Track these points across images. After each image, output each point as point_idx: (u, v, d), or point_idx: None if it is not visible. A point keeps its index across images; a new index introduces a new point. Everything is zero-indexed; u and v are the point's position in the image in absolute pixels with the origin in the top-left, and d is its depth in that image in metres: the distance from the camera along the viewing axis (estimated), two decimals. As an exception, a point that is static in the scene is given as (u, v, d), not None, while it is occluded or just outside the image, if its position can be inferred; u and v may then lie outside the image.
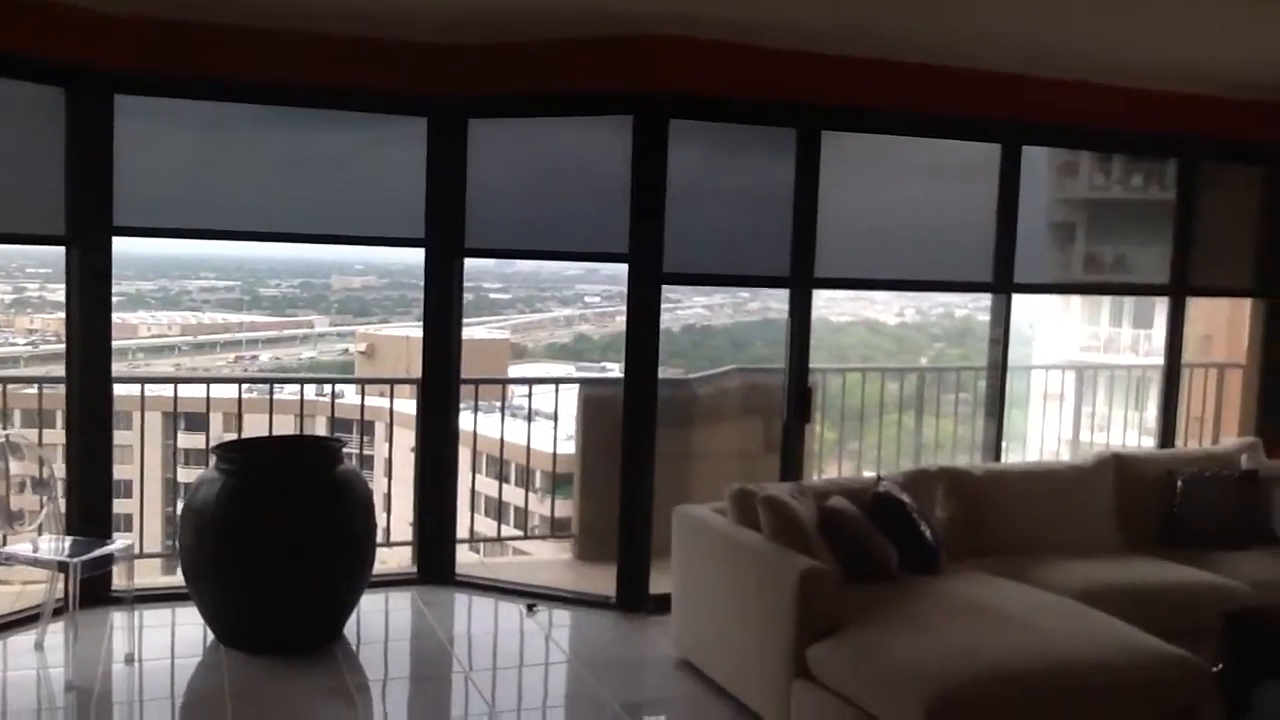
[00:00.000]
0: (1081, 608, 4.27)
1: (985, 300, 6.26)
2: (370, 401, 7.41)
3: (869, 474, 5.53)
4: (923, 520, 4.74)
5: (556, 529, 7.47)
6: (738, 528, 4.60)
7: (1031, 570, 4.84)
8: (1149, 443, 7.43)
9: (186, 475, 6.33)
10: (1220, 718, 4.17)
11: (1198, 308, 7.05)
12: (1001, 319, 6.17)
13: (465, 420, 6.08)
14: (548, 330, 18.83)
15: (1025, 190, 6.11)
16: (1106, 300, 6.64)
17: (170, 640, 5.08)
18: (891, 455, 7.30)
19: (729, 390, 6.96)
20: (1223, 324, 7.92)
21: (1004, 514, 5.20)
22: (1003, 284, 6.11)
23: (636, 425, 5.51)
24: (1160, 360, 6.75)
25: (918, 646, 3.81)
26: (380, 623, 5.38)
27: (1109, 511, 5.48)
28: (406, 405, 6.63)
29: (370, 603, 5.26)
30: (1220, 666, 4.26)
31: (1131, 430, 7.98)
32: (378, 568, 5.44)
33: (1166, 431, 6.69)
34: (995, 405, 6.22)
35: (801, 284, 5.66)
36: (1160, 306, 7.09)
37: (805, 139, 5.59)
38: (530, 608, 5.55)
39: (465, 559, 6.29)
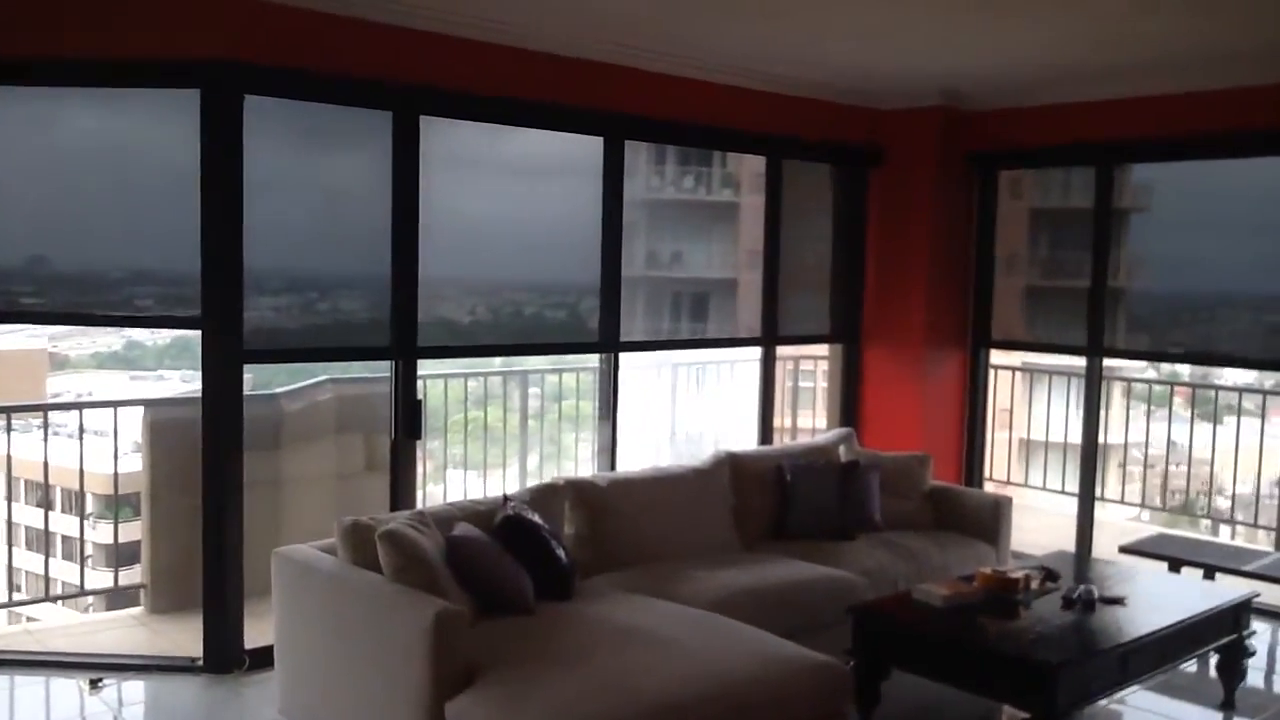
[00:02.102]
0: (724, 621, 4.10)
1: (555, 297, 6.06)
2: None
3: (494, 494, 5.09)
4: (555, 540, 4.39)
5: (122, 564, 6.35)
6: (352, 568, 4.00)
7: (665, 583, 4.65)
8: (727, 429, 7.63)
9: None
10: (853, 714, 4.18)
11: (749, 301, 7.35)
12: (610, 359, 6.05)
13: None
14: (93, 337, 16.66)
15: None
16: (667, 296, 6.70)
17: None
18: (498, 463, 6.94)
19: (321, 404, 6.25)
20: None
21: (631, 524, 4.98)
22: (609, 343, 6.00)
23: (219, 452, 4.72)
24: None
25: (573, 687, 3.43)
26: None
27: (727, 511, 5.44)
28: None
29: None
30: (851, 663, 4.27)
31: (711, 421, 8.19)
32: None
33: (765, 430, 6.84)
34: (609, 409, 6.02)
35: (405, 354, 5.18)
36: (716, 303, 7.32)
37: (403, 124, 5.06)
38: (94, 684, 4.58)
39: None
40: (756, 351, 6.92)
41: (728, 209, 7.11)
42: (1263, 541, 7.75)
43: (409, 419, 5.18)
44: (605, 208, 5.88)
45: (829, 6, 4.82)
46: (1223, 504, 8.28)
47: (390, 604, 3.74)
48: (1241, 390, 7.67)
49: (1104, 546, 6.75)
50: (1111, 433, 8.07)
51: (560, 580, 4.27)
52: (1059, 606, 4.45)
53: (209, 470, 4.74)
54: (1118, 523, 8.08)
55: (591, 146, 5.84)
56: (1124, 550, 5.97)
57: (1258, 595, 4.90)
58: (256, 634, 4.74)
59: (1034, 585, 4.61)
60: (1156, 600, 4.61)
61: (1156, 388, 8.75)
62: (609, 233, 5.90)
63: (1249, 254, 6.17)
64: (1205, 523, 8.43)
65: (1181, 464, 8.13)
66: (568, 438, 7.28)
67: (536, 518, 4.38)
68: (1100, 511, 7.69)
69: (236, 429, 4.74)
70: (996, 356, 7.40)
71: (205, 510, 4.76)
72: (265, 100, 4.66)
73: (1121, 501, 8.16)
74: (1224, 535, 8.14)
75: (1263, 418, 7.41)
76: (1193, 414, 7.95)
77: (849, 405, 7.20)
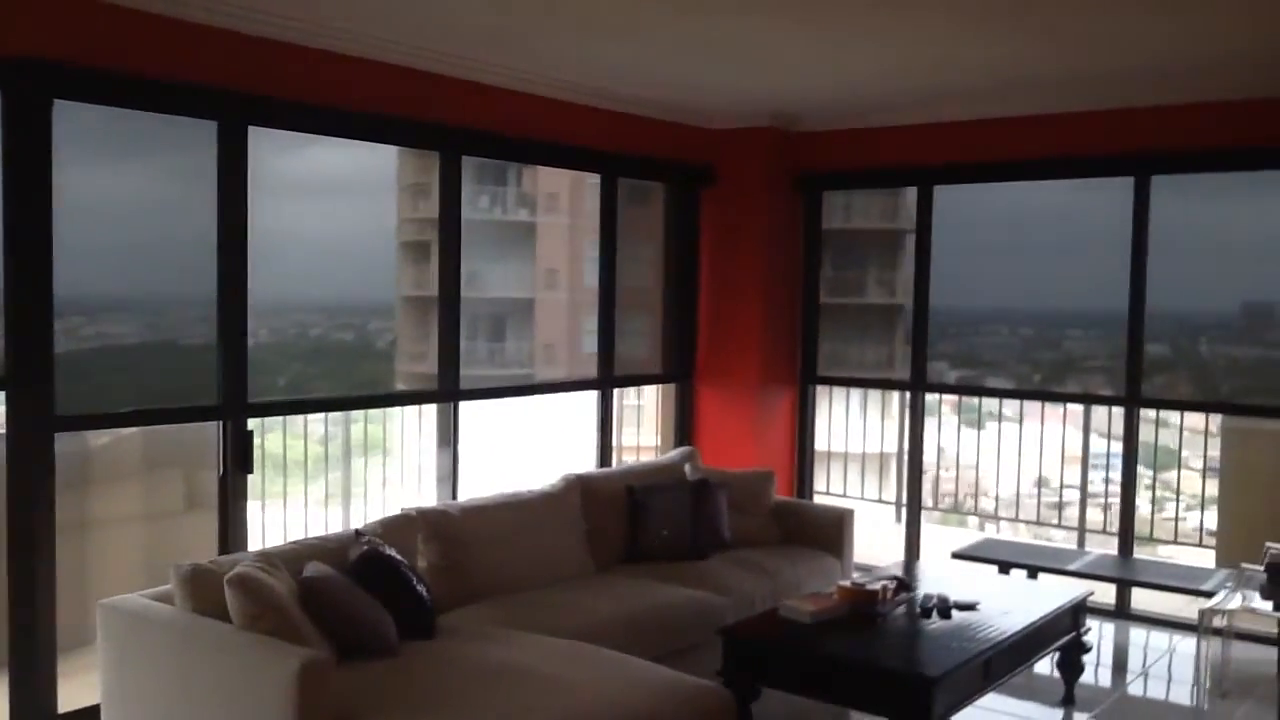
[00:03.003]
0: (597, 651, 3.96)
1: (342, 318, 5.77)
2: None
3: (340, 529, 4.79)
4: (414, 575, 4.14)
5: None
6: (195, 618, 3.65)
7: (527, 613, 4.48)
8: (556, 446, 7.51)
9: None
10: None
11: (548, 321, 7.27)
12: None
13: None
14: None
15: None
16: (465, 317, 6.52)
17: None
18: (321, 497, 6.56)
19: (129, 438, 5.72)
20: (562, 335, 8.36)
21: (485, 553, 4.78)
22: (450, 392, 5.78)
23: (26, 500, 4.23)
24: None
25: (456, 735, 3.22)
26: None
27: (579, 535, 5.29)
28: None
29: None
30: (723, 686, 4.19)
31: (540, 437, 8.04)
32: None
33: (605, 452, 6.75)
34: (449, 434, 5.77)
35: (234, 414, 4.81)
36: (514, 323, 7.17)
37: (229, 134, 4.70)
38: (-124, 765, 4.03)
39: None
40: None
41: (524, 229, 7.01)
42: (1024, 535, 8.26)
43: (239, 451, 4.80)
44: (443, 230, 5.67)
45: (666, 25, 4.79)
46: (987, 504, 8.80)
47: (246, 656, 3.42)
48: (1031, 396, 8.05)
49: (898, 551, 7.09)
50: (889, 441, 8.43)
51: (423, 618, 4.03)
52: (917, 615, 4.53)
53: (14, 517, 4.24)
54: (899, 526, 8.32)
55: (385, 161, 5.63)
56: (956, 556, 6.17)
57: (1092, 594, 5.13)
58: (73, 694, 4.27)
59: (889, 596, 4.67)
60: (1004, 604, 4.74)
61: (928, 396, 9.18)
62: (446, 262, 5.70)
63: (1012, 273, 6.63)
64: (973, 520, 8.89)
65: (950, 469, 8.58)
66: (360, 464, 6.85)
67: (393, 552, 4.12)
68: (882, 515, 8.04)
69: (47, 478, 4.27)
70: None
71: (10, 559, 4.25)
72: (78, 106, 4.23)
73: (935, 507, 8.51)
74: (989, 532, 8.61)
75: (1089, 423, 7.83)
76: (995, 418, 8.36)
77: (683, 428, 7.19)
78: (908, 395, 7.08)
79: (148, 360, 4.85)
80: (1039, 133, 6.20)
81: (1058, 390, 6.77)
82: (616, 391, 7.58)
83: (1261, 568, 5.02)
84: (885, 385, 7.43)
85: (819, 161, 7.00)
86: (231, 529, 4.78)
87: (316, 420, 6.60)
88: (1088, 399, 6.79)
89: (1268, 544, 5.20)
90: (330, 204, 5.41)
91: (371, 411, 6.59)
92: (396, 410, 6.59)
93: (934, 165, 6.63)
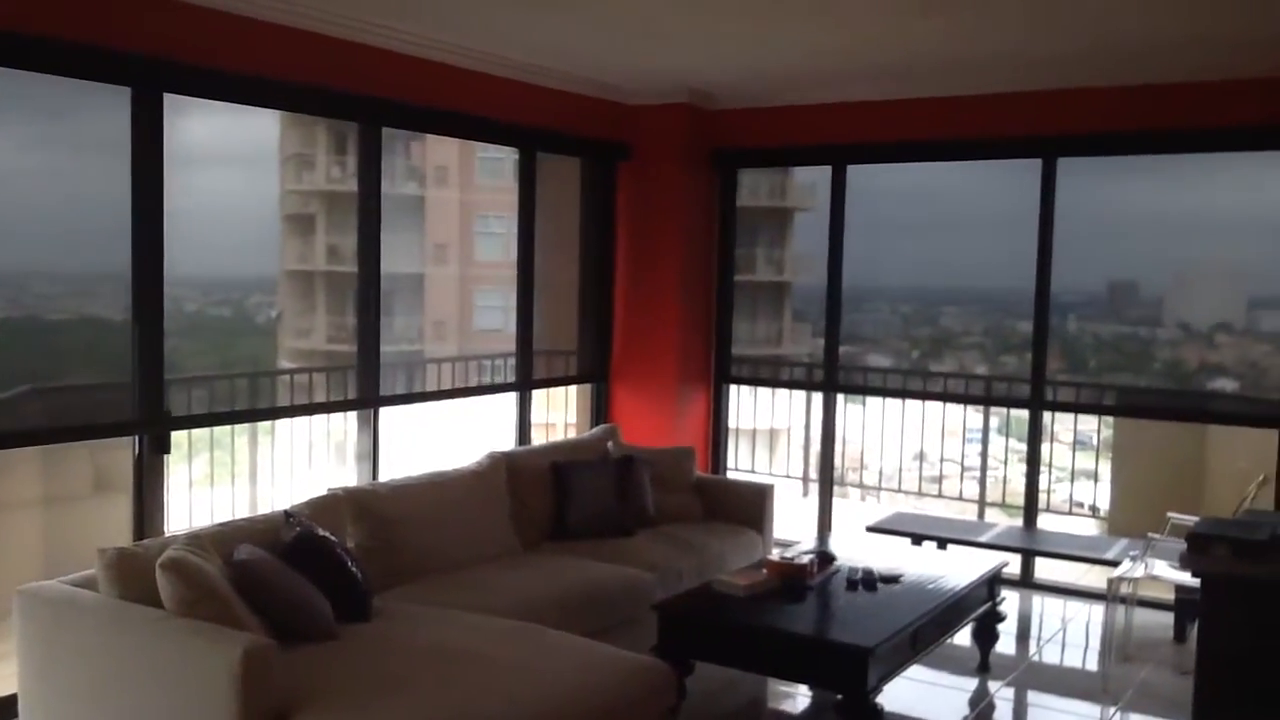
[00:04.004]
0: (537, 630, 3.95)
1: (218, 294, 5.57)
2: None
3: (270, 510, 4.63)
4: (348, 557, 4.06)
5: None
6: (123, 604, 3.52)
7: (460, 594, 4.44)
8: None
9: None
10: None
11: (438, 295, 7.19)
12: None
13: None
14: None
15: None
16: (351, 292, 6.39)
17: None
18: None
19: (28, 420, 5.46)
20: (453, 311, 8.35)
21: (415, 533, 4.71)
22: (370, 399, 5.61)
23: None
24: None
25: (402, 718, 3.16)
26: None
27: (506, 513, 5.26)
28: None
29: None
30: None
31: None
32: None
33: (524, 432, 6.70)
34: (369, 417, 5.65)
35: (153, 426, 4.62)
36: (403, 298, 7.05)
37: (143, 102, 4.50)
38: None
39: None
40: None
41: (413, 202, 6.89)
42: (904, 506, 8.57)
43: (158, 431, 4.63)
44: (362, 207, 5.51)
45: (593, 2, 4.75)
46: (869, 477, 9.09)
47: (183, 643, 3.30)
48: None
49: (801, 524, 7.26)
50: (779, 418, 8.58)
51: (359, 600, 3.96)
52: (844, 588, 4.62)
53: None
54: (793, 499, 8.49)
55: (265, 131, 5.46)
56: (870, 529, 6.30)
57: (1006, 565, 5.29)
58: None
59: (816, 570, 4.75)
60: (925, 576, 4.86)
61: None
62: (367, 244, 5.55)
63: (899, 250, 6.84)
64: (855, 492, 9.17)
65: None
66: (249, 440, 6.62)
67: (326, 534, 4.03)
68: (782, 489, 8.18)
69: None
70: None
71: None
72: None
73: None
74: (870, 503, 8.88)
75: (975, 407, 8.04)
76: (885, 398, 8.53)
77: (599, 408, 7.17)
78: (819, 376, 7.17)
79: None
80: (952, 114, 6.33)
81: (975, 394, 6.97)
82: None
83: (1164, 537, 5.25)
84: (806, 387, 7.49)
85: (735, 139, 7.03)
86: (148, 512, 4.61)
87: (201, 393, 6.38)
88: (995, 401, 7.02)
89: (1169, 514, 5.44)
90: (205, 175, 5.17)
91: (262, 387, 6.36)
92: (284, 380, 6.38)
93: (849, 144, 6.71)
